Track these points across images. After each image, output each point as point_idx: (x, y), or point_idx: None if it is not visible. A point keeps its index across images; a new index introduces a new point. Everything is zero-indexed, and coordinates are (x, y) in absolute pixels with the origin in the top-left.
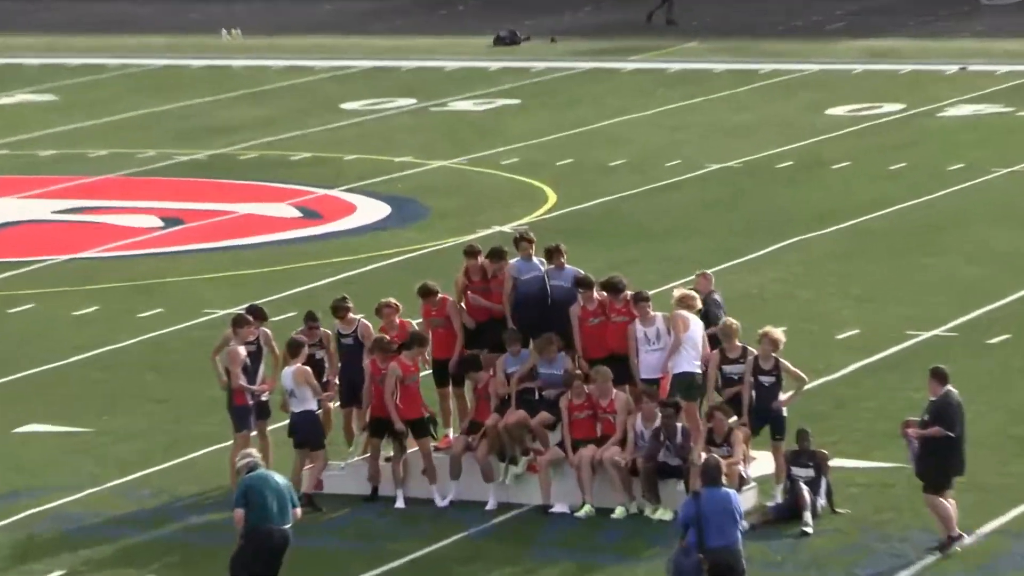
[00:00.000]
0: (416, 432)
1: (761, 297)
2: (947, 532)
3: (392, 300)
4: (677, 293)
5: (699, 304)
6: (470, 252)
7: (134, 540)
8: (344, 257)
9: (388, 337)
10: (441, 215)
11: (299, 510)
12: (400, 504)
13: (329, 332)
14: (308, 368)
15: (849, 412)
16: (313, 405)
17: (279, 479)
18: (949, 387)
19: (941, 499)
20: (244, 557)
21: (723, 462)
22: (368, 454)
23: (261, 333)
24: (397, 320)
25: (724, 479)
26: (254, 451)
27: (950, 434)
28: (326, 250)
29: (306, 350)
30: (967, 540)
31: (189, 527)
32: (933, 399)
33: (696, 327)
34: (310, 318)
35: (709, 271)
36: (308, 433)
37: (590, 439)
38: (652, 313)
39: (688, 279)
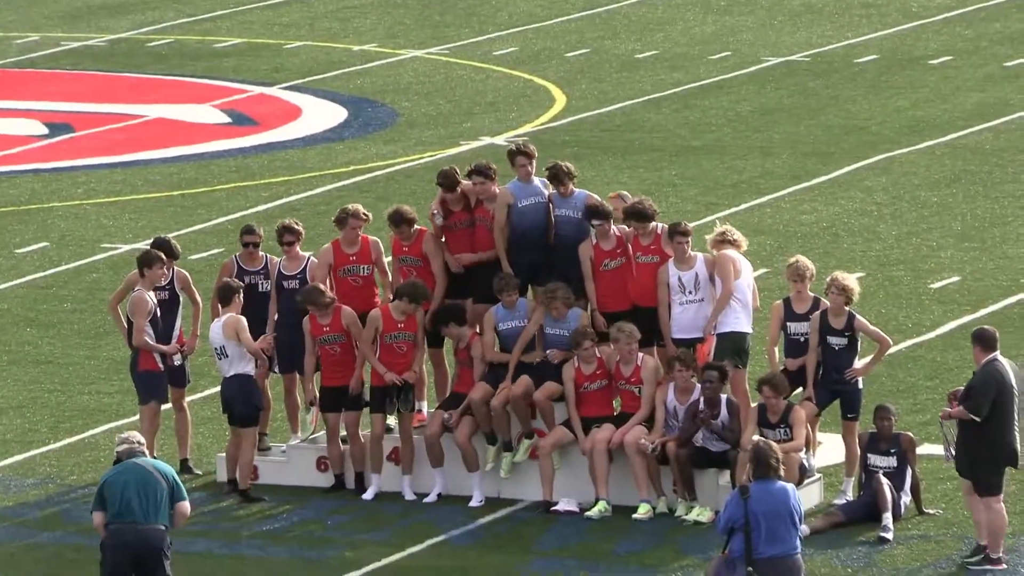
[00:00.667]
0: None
1: (833, 234)
2: (995, 549)
3: (360, 208)
4: (718, 230)
5: (744, 242)
6: (447, 183)
7: (12, 546)
8: (286, 176)
9: (323, 287)
10: (413, 122)
11: (186, 504)
12: (369, 495)
13: (276, 259)
14: (241, 318)
15: (945, 384)
16: (248, 367)
17: (152, 467)
18: (996, 355)
19: (995, 503)
20: (102, 570)
21: (778, 448)
22: (316, 435)
23: (176, 275)
24: (361, 237)
25: (780, 470)
26: (134, 435)
27: (975, 417)
28: (262, 167)
29: (239, 298)
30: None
31: (84, 528)
32: (975, 370)
33: (748, 273)
34: (247, 232)
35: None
36: (238, 404)
37: (606, 418)
38: (691, 253)
39: (738, 209)
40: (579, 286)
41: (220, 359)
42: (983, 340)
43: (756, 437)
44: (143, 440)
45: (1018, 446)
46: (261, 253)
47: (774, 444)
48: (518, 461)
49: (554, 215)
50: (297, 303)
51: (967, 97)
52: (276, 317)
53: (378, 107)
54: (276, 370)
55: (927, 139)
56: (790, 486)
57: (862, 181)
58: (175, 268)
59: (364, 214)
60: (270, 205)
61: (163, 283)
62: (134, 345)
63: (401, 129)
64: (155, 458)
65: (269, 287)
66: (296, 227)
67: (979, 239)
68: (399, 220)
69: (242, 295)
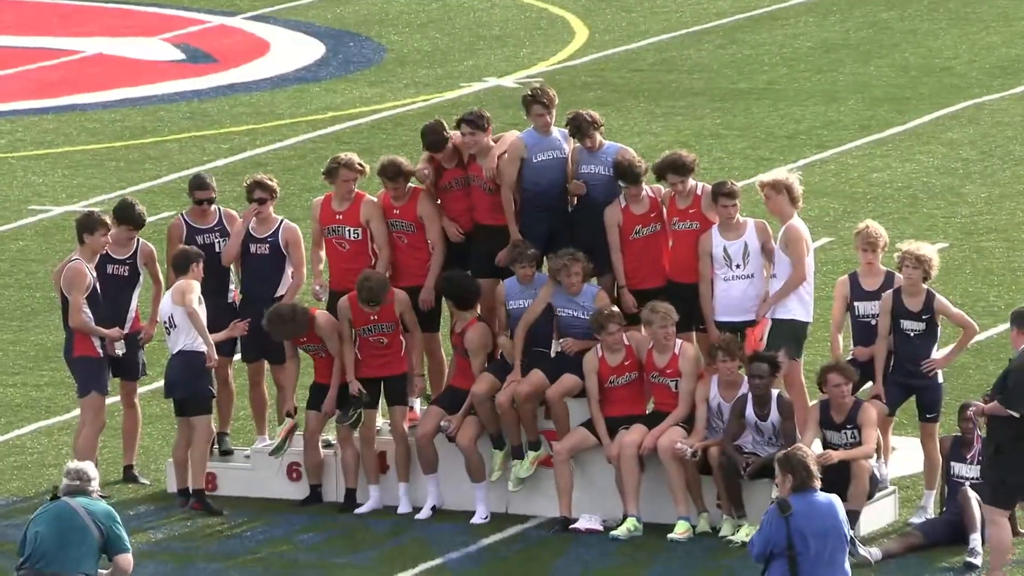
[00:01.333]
0: (388, 397)
1: (910, 195)
2: (996, 569)
3: (355, 158)
4: (770, 177)
5: (800, 192)
6: (434, 142)
7: None
8: (250, 124)
9: (290, 310)
10: (404, 59)
11: (126, 557)
12: (366, 509)
13: (236, 214)
14: (193, 282)
15: None
16: (195, 342)
17: (84, 511)
18: None
19: (1001, 518)
20: None
21: (812, 454)
22: (290, 435)
23: (141, 248)
24: (355, 193)
25: (817, 479)
26: (83, 470)
27: (1013, 413)
28: (222, 113)
29: (198, 268)
30: None
31: (8, 548)
32: (1012, 359)
33: (810, 244)
34: (199, 187)
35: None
36: (182, 387)
37: (636, 417)
38: (739, 219)
39: (795, 165)
40: (605, 259)
41: (168, 331)
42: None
43: (819, 441)
44: (93, 476)
45: None
46: (214, 207)
47: (805, 449)
48: (523, 477)
49: (578, 173)
50: (265, 323)
51: None
52: (241, 294)
53: (362, 41)
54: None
55: (1023, 82)
56: (835, 498)
57: (945, 132)
58: (140, 240)
59: (359, 165)
60: (231, 159)
61: (124, 256)
62: (70, 325)
63: (389, 68)
64: (99, 496)
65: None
66: (269, 183)
67: None
68: (394, 173)
69: (202, 265)
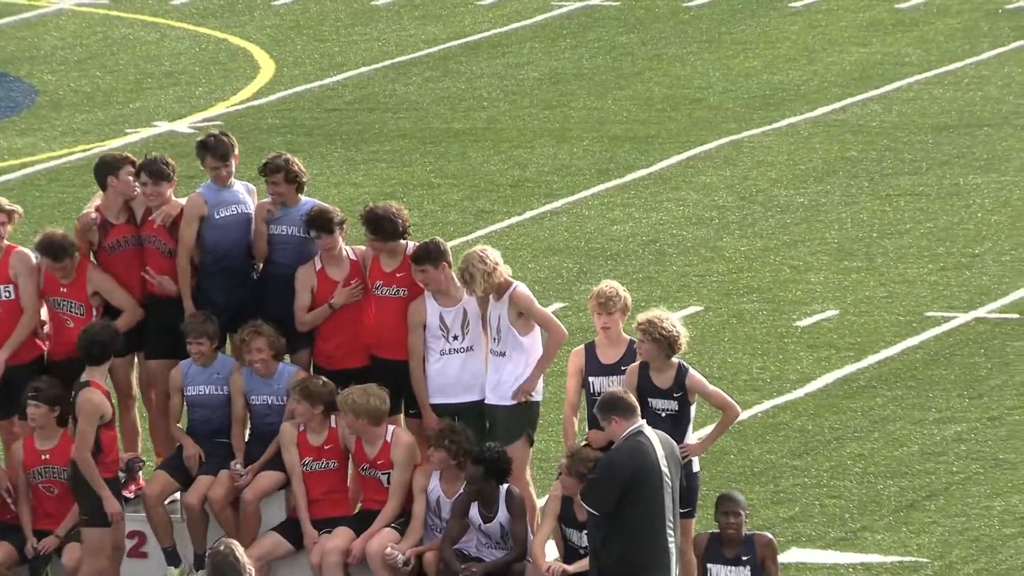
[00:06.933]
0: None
1: (657, 251)
2: None
3: (3, 201)
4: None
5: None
6: (114, 164)
7: None
8: None
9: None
10: (59, 103)
11: None
12: None
13: None
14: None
15: (818, 461)
16: None
17: None
18: (640, 426)
19: None
20: None
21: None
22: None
23: None
24: (3, 242)
25: None
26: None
27: (588, 507)
28: None
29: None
30: None
31: None
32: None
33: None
34: None
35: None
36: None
37: (339, 519)
38: (453, 280)
39: (521, 218)
40: (299, 333)
41: None
42: (618, 407)
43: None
44: None
45: (671, 556)
46: None
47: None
48: None
49: (269, 233)
50: None
51: (844, 54)
52: None
53: (9, 82)
54: None
55: (788, 115)
56: None
57: (697, 176)
58: None
59: (7, 208)
60: None
61: None
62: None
63: (42, 113)
64: None
65: None
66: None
67: (864, 255)
68: (58, 251)
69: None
